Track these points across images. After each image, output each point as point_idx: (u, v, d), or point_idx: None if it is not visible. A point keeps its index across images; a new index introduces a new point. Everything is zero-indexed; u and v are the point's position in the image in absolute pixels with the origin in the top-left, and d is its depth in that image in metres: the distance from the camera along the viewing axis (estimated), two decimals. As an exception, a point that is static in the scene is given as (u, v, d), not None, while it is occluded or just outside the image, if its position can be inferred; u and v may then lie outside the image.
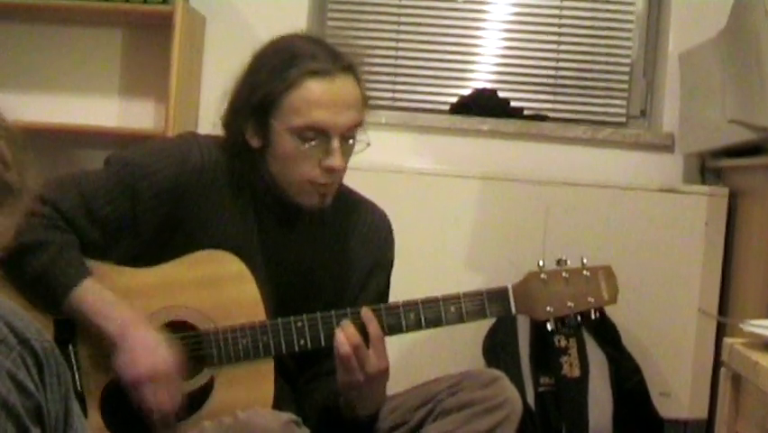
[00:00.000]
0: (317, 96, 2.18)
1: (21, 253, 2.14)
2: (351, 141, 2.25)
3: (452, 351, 3.66)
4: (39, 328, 1.56)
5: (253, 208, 2.31)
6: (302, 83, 2.18)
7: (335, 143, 2.20)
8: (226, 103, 2.30)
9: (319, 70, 2.19)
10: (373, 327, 2.20)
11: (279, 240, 2.34)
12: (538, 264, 2.29)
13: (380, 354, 2.21)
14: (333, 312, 2.22)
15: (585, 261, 2.30)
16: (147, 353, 2.13)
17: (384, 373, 2.24)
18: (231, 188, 2.29)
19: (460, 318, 2.25)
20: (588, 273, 2.29)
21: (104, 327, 2.15)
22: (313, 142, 2.19)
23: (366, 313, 2.22)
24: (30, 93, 4.23)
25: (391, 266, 2.49)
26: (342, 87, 2.21)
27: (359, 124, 2.25)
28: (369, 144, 2.27)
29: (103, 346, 2.18)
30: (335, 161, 2.20)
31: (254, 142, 2.25)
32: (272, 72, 2.21)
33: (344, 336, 2.18)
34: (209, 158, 2.27)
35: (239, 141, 2.26)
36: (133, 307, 2.19)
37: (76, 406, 1.64)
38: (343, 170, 2.26)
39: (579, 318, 2.30)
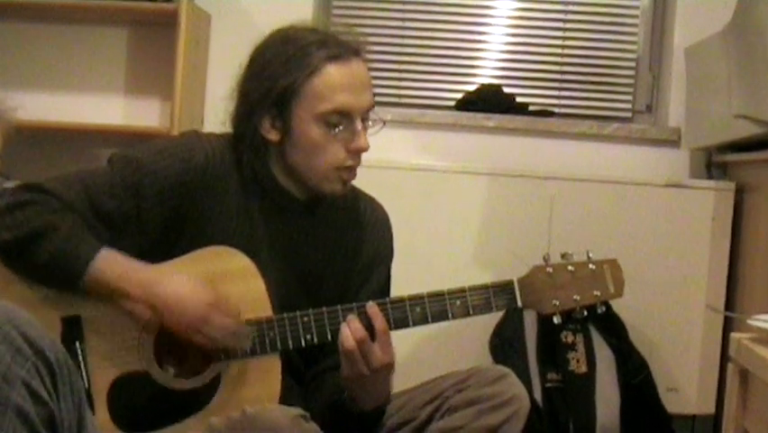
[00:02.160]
0: (339, 80, 2.22)
1: (32, 239, 2.14)
2: (368, 122, 2.28)
3: (459, 347, 3.66)
4: (53, 339, 1.57)
5: (259, 205, 2.32)
6: (322, 69, 2.22)
7: (359, 125, 2.24)
8: (235, 101, 2.31)
9: (336, 55, 2.23)
10: (379, 321, 2.20)
11: (285, 235, 2.34)
12: (544, 258, 2.29)
13: (386, 349, 2.21)
14: (339, 306, 2.23)
15: (591, 254, 2.30)
16: (181, 303, 2.15)
17: (388, 367, 2.23)
18: (236, 184, 2.30)
19: (466, 312, 2.25)
20: (594, 267, 2.29)
21: (128, 294, 2.15)
22: (339, 127, 2.22)
23: (371, 308, 2.22)
24: (35, 91, 4.23)
25: (392, 258, 2.50)
26: (357, 69, 2.26)
27: (373, 106, 2.29)
28: (384, 123, 2.31)
29: (117, 332, 2.20)
30: (362, 142, 2.25)
31: (272, 136, 2.26)
32: (287, 63, 2.23)
33: (349, 330, 2.19)
34: (213, 155, 2.28)
35: (254, 137, 2.27)
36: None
37: (89, 414, 1.65)
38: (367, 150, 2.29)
39: (585, 312, 2.29)
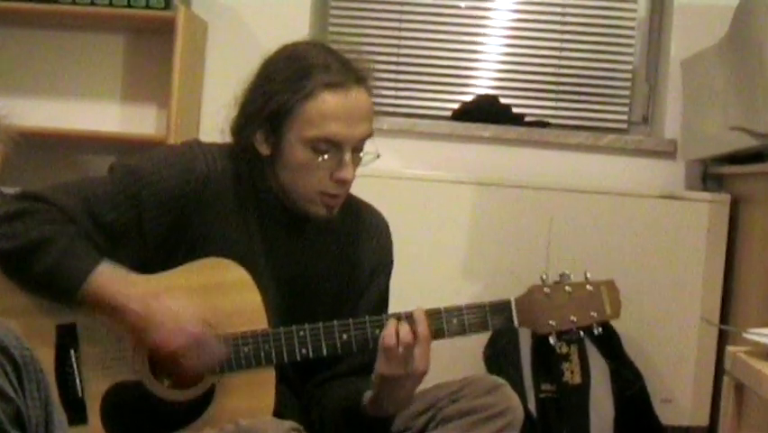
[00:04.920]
0: (333, 109, 2.19)
1: (30, 249, 2.14)
2: (360, 153, 2.26)
3: (453, 357, 3.64)
4: (18, 337, 1.57)
5: (258, 216, 2.31)
6: (318, 95, 2.19)
7: (347, 156, 2.21)
8: (235, 109, 2.31)
9: (335, 83, 2.20)
10: (422, 328, 2.19)
11: (283, 247, 2.34)
12: (541, 278, 2.28)
13: (424, 355, 2.19)
14: (335, 322, 2.22)
15: (588, 275, 2.30)
16: (176, 323, 2.14)
17: (422, 375, 2.22)
18: (236, 195, 2.29)
19: (462, 331, 2.25)
20: (591, 288, 2.28)
21: (126, 308, 2.14)
22: (326, 155, 2.20)
23: (419, 315, 2.20)
24: (32, 98, 4.23)
25: (391, 268, 2.49)
26: (356, 99, 2.22)
27: (369, 136, 2.26)
28: (378, 156, 2.28)
29: (113, 337, 2.19)
30: (347, 173, 2.22)
31: (264, 150, 2.25)
32: (286, 82, 2.21)
33: (394, 329, 2.18)
34: (214, 166, 2.28)
35: (248, 147, 2.27)
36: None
37: (57, 413, 1.65)
38: (352, 182, 2.26)
39: (581, 333, 2.29)
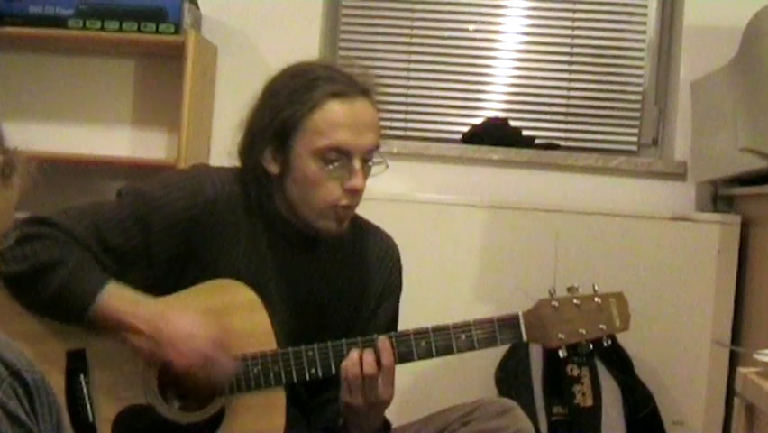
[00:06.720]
0: (340, 117, 2.20)
1: (38, 272, 2.15)
2: (369, 163, 2.26)
3: (464, 380, 3.65)
4: (29, 360, 1.57)
5: (267, 238, 2.32)
6: (324, 104, 2.20)
7: (357, 164, 2.22)
8: (242, 131, 2.31)
9: (340, 92, 2.22)
10: (387, 357, 2.20)
11: (293, 268, 2.34)
12: (549, 292, 2.28)
13: (387, 385, 2.21)
14: (343, 341, 2.23)
15: (597, 288, 2.29)
16: (188, 340, 2.14)
17: (385, 404, 2.24)
18: (244, 218, 2.30)
19: (471, 346, 2.25)
20: (599, 300, 2.28)
21: (134, 329, 2.15)
22: (336, 164, 2.21)
23: (383, 342, 2.21)
24: (42, 123, 4.24)
25: (400, 291, 2.50)
26: (362, 108, 2.24)
27: (377, 147, 2.27)
28: (387, 167, 2.29)
29: (123, 367, 2.20)
30: (358, 182, 2.22)
31: (273, 169, 2.26)
32: (292, 95, 2.22)
33: (357, 358, 2.19)
34: (222, 189, 2.28)
35: (257, 168, 2.27)
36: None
37: None
38: (363, 192, 2.27)
39: (591, 346, 2.29)
